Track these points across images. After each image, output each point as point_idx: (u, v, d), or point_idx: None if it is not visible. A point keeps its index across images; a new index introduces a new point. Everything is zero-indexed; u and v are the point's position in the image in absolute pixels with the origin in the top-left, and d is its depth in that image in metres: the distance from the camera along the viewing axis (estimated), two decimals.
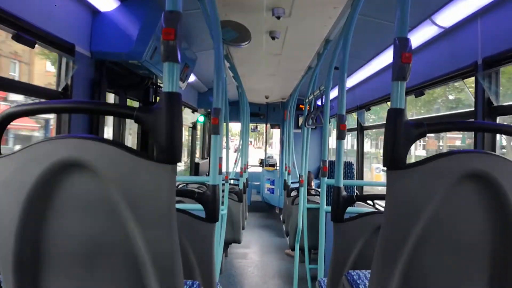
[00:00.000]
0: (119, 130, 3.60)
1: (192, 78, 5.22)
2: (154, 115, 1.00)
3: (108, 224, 1.02)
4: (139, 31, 2.69)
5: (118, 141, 1.05)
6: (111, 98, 3.51)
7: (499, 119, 2.30)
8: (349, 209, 2.05)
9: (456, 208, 1.13)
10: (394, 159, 1.12)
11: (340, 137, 2.14)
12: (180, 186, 4.75)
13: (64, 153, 0.99)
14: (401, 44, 1.13)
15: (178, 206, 2.20)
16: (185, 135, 7.32)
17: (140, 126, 3.94)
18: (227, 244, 4.89)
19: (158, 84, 3.98)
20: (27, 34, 2.03)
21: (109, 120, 3.56)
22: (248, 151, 7.11)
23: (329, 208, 2.74)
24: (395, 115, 1.13)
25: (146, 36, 2.73)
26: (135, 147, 4.02)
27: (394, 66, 1.14)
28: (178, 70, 1.06)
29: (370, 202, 4.19)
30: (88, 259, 1.04)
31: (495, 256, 1.16)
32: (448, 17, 2.56)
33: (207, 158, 8.42)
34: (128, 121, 3.74)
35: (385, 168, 1.16)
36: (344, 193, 1.98)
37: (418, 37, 2.91)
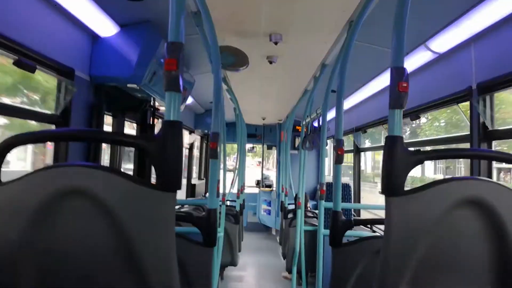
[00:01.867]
0: (114, 156, 3.59)
1: (189, 100, 5.26)
2: (156, 143, 1.01)
3: (107, 251, 1.02)
4: (138, 56, 2.72)
5: (119, 170, 1.06)
6: (109, 120, 3.52)
7: (494, 144, 2.33)
8: (347, 232, 2.04)
9: (455, 234, 1.14)
10: (392, 186, 1.13)
11: (338, 161, 2.15)
12: (176, 208, 4.71)
13: (65, 180, 0.99)
14: (398, 74, 1.15)
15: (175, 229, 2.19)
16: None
17: (136, 152, 3.94)
18: (223, 267, 4.82)
19: (156, 106, 4.00)
20: (27, 59, 2.05)
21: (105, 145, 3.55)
22: (245, 172, 7.10)
23: (327, 232, 2.73)
24: (393, 142, 1.14)
25: (145, 60, 2.77)
26: (131, 172, 4.02)
27: (391, 95, 1.16)
28: (179, 99, 1.08)
29: (368, 225, 4.17)
30: (86, 283, 1.04)
31: (495, 282, 1.16)
32: (442, 43, 2.62)
33: (203, 179, 8.39)
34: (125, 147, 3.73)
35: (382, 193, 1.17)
36: (342, 217, 1.98)
37: (413, 62, 2.97)
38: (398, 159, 1.14)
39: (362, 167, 5.77)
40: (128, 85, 2.92)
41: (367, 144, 5.50)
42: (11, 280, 0.99)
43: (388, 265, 1.16)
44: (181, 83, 1.07)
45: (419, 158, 1.15)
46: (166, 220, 1.02)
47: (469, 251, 1.16)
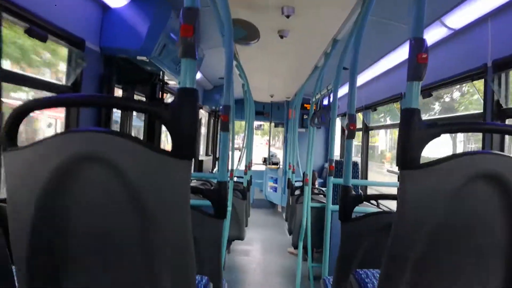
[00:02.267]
0: (123, 126, 3.61)
1: (198, 75, 5.23)
2: (171, 110, 1.01)
3: (124, 218, 1.02)
4: (149, 28, 2.70)
5: (133, 136, 1.05)
6: (118, 93, 3.52)
7: (507, 122, 2.30)
8: (355, 208, 2.05)
9: (469, 209, 1.14)
10: (407, 159, 1.12)
11: (350, 136, 2.14)
12: None
13: (80, 146, 0.98)
14: (417, 45, 1.13)
15: None
16: None
17: (146, 125, 3.95)
18: (230, 241, 4.90)
19: (165, 80, 3.99)
20: (39, 28, 2.04)
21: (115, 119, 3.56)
22: (253, 149, 7.12)
23: (335, 207, 2.74)
24: (410, 115, 1.13)
25: (155, 33, 2.74)
26: None
27: (409, 66, 1.15)
28: (195, 66, 1.07)
29: (373, 202, 4.18)
30: (103, 252, 1.05)
31: (509, 258, 1.17)
32: (458, 19, 2.56)
33: (210, 155, 8.43)
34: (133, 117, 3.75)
35: (392, 169, 1.17)
36: (352, 192, 1.99)
37: (428, 38, 2.87)
38: (414, 132, 1.13)
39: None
40: (138, 58, 2.90)
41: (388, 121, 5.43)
42: (27, 244, 1.01)
43: (400, 239, 1.17)
44: (196, 51, 1.06)
45: (436, 131, 1.14)
46: (181, 187, 1.02)
47: (483, 226, 1.16)
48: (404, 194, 1.13)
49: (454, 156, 1.13)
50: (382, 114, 5.52)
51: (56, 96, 1.15)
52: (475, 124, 1.46)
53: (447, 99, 5.03)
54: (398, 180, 1.26)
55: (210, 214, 1.86)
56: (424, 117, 1.24)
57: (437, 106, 5.15)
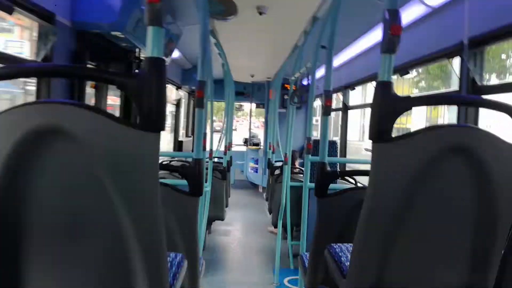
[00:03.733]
0: (99, 100, 3.52)
1: (176, 54, 5.12)
2: (137, 80, 0.97)
3: (90, 194, 0.99)
4: (122, 1, 2.61)
5: (99, 108, 1.01)
6: None
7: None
8: (332, 186, 2.06)
9: (440, 181, 1.15)
10: (380, 132, 1.12)
11: (326, 113, 2.13)
12: (163, 163, 4.72)
13: (42, 119, 0.93)
14: (391, 16, 1.11)
15: (161, 181, 2.19)
16: (169, 112, 7.24)
17: (123, 98, 3.86)
18: (210, 221, 4.91)
19: (141, 58, 3.89)
20: None
21: (89, 90, 3.46)
22: (232, 130, 7.09)
23: (312, 185, 2.76)
24: (383, 88, 1.13)
25: (129, 6, 2.66)
26: None
27: (383, 38, 1.13)
28: (162, 35, 1.02)
29: (351, 180, 4.24)
30: (70, 231, 1.01)
31: (478, 231, 1.19)
32: None
33: (191, 136, 8.36)
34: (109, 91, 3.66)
35: (368, 148, 1.16)
36: (328, 168, 1.99)
37: (406, 16, 2.90)
38: (387, 104, 1.12)
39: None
40: (112, 33, 2.81)
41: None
42: None
43: (372, 212, 1.17)
44: (164, 18, 1.02)
45: (408, 104, 1.14)
46: (150, 161, 0.99)
47: (454, 199, 1.17)
48: (375, 167, 1.13)
49: (425, 130, 1.13)
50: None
51: (16, 65, 1.09)
52: (446, 98, 1.47)
53: None
54: None
55: (186, 191, 1.84)
56: None
57: None
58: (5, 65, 1.02)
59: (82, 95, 2.79)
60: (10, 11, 1.97)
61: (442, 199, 1.17)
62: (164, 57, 1.01)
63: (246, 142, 9.54)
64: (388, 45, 1.12)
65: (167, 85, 5.13)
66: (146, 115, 0.96)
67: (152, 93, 0.96)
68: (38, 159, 0.95)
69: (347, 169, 5.38)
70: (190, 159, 1.98)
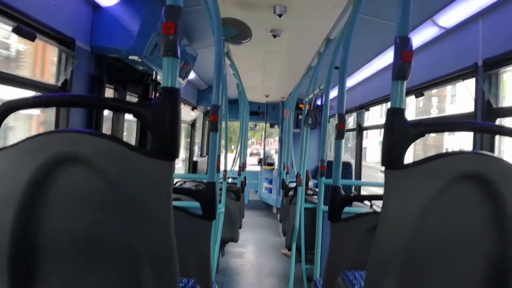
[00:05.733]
0: (117, 127, 3.59)
1: (192, 75, 5.21)
2: (152, 110, 0.99)
3: (105, 219, 1.01)
4: (140, 27, 2.68)
5: (114, 136, 1.04)
6: (110, 93, 3.50)
7: (498, 121, 2.30)
8: (346, 209, 2.04)
9: (453, 209, 1.13)
10: (392, 158, 1.11)
11: (339, 136, 2.13)
12: (177, 184, 4.74)
13: (60, 147, 0.97)
14: (402, 43, 1.12)
15: (175, 203, 2.19)
16: (184, 132, 7.31)
17: (139, 123, 3.93)
18: (223, 243, 4.88)
19: (158, 80, 3.97)
20: (27, 27, 2.03)
21: (109, 116, 3.54)
22: (247, 150, 7.11)
23: (326, 208, 2.74)
24: (395, 114, 1.12)
25: (147, 32, 2.73)
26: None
27: (394, 65, 1.14)
28: (177, 65, 1.05)
29: (367, 203, 4.19)
30: (84, 254, 1.03)
31: (493, 259, 1.16)
32: (449, 18, 2.56)
33: (205, 156, 8.41)
34: (126, 118, 3.73)
35: (383, 169, 1.16)
36: (342, 192, 1.98)
37: (419, 37, 2.91)
38: (399, 131, 1.12)
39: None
40: (130, 57, 2.88)
41: None
42: (2, 248, 0.99)
43: (384, 241, 1.16)
44: (178, 49, 1.05)
45: (421, 130, 1.13)
46: (163, 188, 1.01)
47: (467, 227, 1.15)
48: (388, 195, 1.12)
49: (439, 156, 1.12)
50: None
51: (34, 96, 1.14)
52: (460, 124, 1.45)
53: None
54: None
55: (199, 215, 1.84)
56: None
57: None
58: (23, 98, 1.07)
59: (100, 121, 2.85)
60: (33, 39, 2.05)
61: (455, 228, 1.15)
62: (179, 86, 1.04)
63: (260, 162, 9.53)
64: (399, 71, 1.13)
65: (183, 105, 5.21)
66: (160, 144, 0.99)
67: (166, 122, 0.98)
68: (55, 184, 0.98)
69: (365, 191, 5.33)
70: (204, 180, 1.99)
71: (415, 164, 1.10)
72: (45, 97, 1.17)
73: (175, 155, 1.01)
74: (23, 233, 0.99)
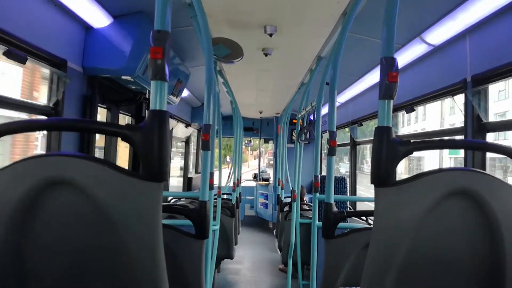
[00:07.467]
0: (109, 148, 3.58)
1: (185, 93, 5.24)
2: (140, 133, 1.00)
3: (93, 241, 1.01)
4: (131, 47, 2.70)
5: (104, 159, 1.04)
6: (103, 113, 3.50)
7: (488, 136, 2.32)
8: (341, 224, 2.04)
9: (444, 226, 1.13)
10: (381, 176, 1.12)
11: (331, 153, 2.14)
12: (172, 201, 4.72)
13: (49, 171, 0.98)
14: (388, 64, 1.14)
15: (169, 221, 2.18)
16: (178, 148, 7.30)
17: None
18: (219, 260, 4.84)
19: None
20: (18, 50, 2.03)
21: (102, 137, 3.54)
22: (241, 165, 7.10)
23: (321, 224, 2.73)
24: (382, 133, 1.14)
25: (138, 52, 2.75)
26: (126, 166, 4.00)
27: (381, 85, 1.16)
28: (165, 88, 1.06)
29: (363, 218, 4.18)
30: (73, 275, 1.03)
31: (486, 276, 1.16)
32: (437, 35, 2.60)
33: (200, 173, 8.38)
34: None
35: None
36: (335, 209, 1.98)
37: (408, 54, 2.95)
38: (387, 149, 1.13)
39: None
40: (122, 77, 2.90)
41: None
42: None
43: (376, 258, 1.16)
44: (167, 72, 1.06)
45: (409, 148, 1.14)
46: (151, 210, 1.01)
47: (458, 243, 1.15)
48: (378, 212, 1.12)
49: (428, 173, 1.13)
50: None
51: (24, 121, 1.14)
52: (449, 142, 1.47)
53: None
54: None
55: (192, 234, 1.83)
56: None
57: None
58: (13, 121, 1.08)
59: (91, 143, 2.85)
60: (23, 61, 2.05)
61: (447, 243, 1.15)
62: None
63: (255, 177, 9.51)
64: (386, 91, 1.15)
65: (177, 122, 5.19)
66: (149, 166, 0.99)
67: (154, 145, 0.99)
68: (45, 206, 0.99)
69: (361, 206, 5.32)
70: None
71: (405, 181, 1.11)
72: (34, 122, 1.17)
73: (163, 177, 1.01)
74: (13, 252, 0.99)
